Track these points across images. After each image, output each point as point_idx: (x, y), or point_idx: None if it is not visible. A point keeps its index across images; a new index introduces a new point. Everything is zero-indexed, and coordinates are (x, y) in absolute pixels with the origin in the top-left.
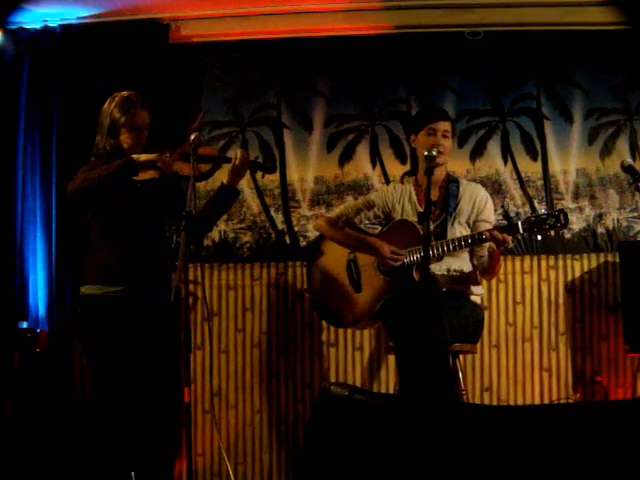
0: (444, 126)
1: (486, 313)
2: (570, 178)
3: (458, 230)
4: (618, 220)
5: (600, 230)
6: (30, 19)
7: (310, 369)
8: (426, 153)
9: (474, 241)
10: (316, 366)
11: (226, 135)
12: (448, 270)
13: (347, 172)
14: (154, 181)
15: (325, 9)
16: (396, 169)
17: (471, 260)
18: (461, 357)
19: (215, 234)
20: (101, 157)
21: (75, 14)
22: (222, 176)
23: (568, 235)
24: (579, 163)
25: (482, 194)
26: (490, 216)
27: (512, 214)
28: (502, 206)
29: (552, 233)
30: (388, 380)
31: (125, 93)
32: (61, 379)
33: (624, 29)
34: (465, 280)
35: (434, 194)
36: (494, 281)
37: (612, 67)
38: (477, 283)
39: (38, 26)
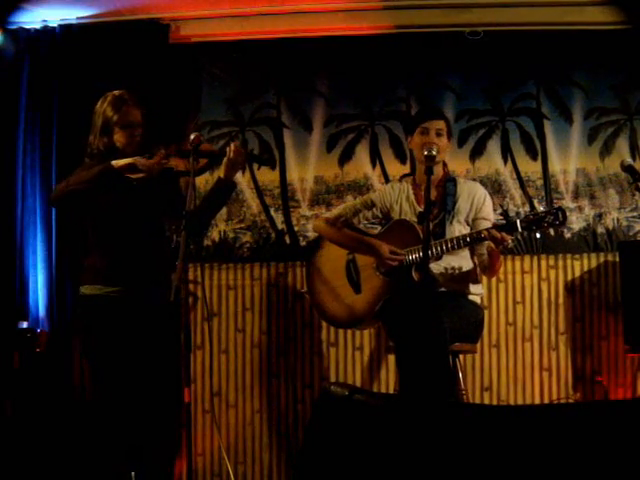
0: (437, 124)
1: (486, 313)
2: (570, 178)
3: (457, 229)
4: (618, 220)
5: (600, 230)
6: (30, 19)
7: (310, 369)
8: (426, 153)
9: (473, 240)
10: (316, 366)
11: (226, 135)
12: (447, 268)
13: (347, 172)
14: (150, 178)
15: (325, 9)
16: (396, 169)
17: (472, 258)
18: (461, 357)
19: (215, 234)
20: (95, 157)
21: (75, 14)
22: (219, 171)
23: (568, 235)
24: (579, 163)
25: (480, 192)
26: (489, 214)
27: (512, 214)
28: (501, 206)
29: (551, 231)
30: (388, 380)
31: (117, 92)
32: (61, 379)
33: (624, 29)
34: (465, 278)
35: (432, 193)
36: (494, 281)
37: (612, 67)
38: (477, 282)
39: (38, 26)
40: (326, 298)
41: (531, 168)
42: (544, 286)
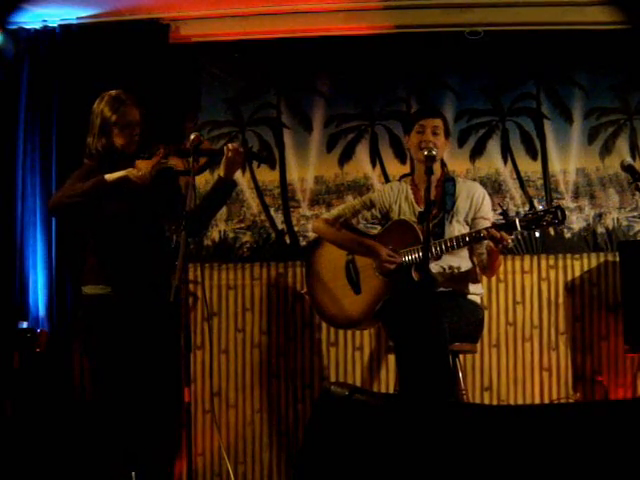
0: (433, 122)
1: (486, 313)
2: (570, 178)
3: (456, 228)
4: (618, 219)
5: (600, 229)
6: (30, 19)
7: (310, 369)
8: (426, 153)
9: (472, 239)
10: (316, 366)
11: (226, 135)
12: (446, 268)
13: (347, 172)
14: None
15: (324, 9)
16: (396, 169)
17: (471, 258)
18: (461, 357)
19: (215, 234)
20: (94, 158)
21: (75, 14)
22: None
23: (568, 234)
24: (579, 163)
25: (479, 191)
26: (488, 213)
27: (512, 214)
28: (501, 205)
29: (551, 231)
30: (388, 380)
31: (114, 92)
32: (61, 379)
33: (624, 28)
34: (464, 278)
35: (431, 193)
36: (494, 281)
37: (612, 67)
38: (476, 281)
39: (38, 26)
40: (326, 298)
41: (531, 168)
42: (544, 286)
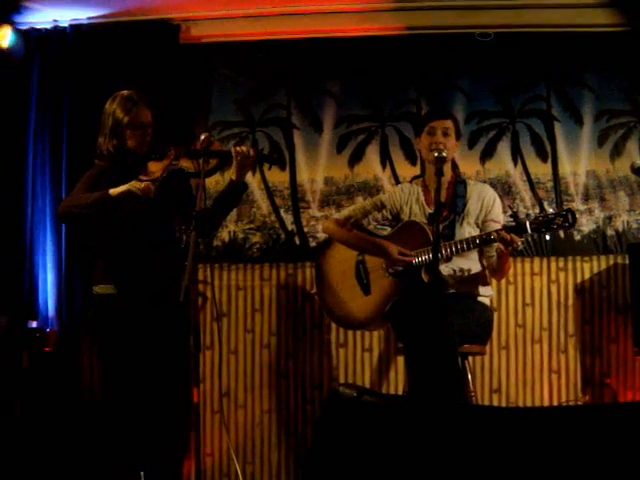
0: (444, 124)
1: (495, 314)
2: (580, 180)
3: (467, 230)
4: (628, 222)
5: (610, 232)
6: (41, 19)
7: (319, 370)
8: (436, 154)
9: (482, 241)
10: (325, 367)
11: (236, 135)
12: (456, 270)
13: (357, 173)
14: (161, 179)
15: (335, 10)
16: (406, 170)
17: (480, 260)
18: (470, 358)
19: (225, 234)
20: (105, 159)
21: (85, 14)
22: (230, 173)
23: (578, 237)
24: (589, 165)
25: (490, 194)
26: (498, 215)
27: (522, 216)
28: (511, 207)
29: (561, 233)
30: (397, 381)
31: (126, 92)
32: (70, 379)
33: (634, 31)
34: (474, 280)
35: (442, 195)
36: (503, 282)
37: (622, 69)
38: (486, 284)
39: (48, 26)
40: (335, 299)
41: (541, 170)
42: (553, 288)
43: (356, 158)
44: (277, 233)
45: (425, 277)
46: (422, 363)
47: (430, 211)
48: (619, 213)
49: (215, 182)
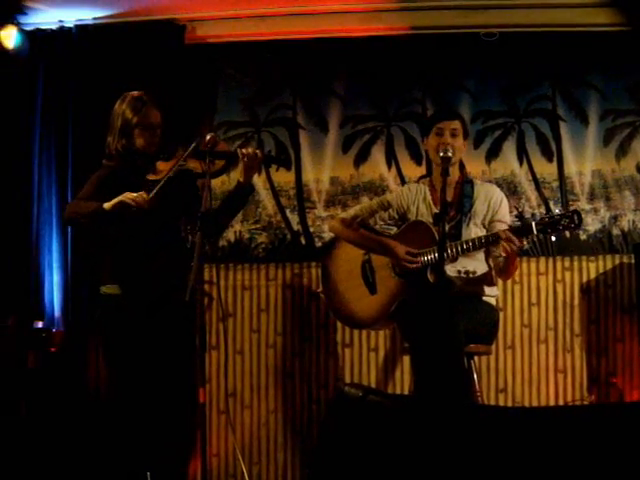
0: (452, 125)
1: (501, 314)
2: (585, 179)
3: (473, 231)
4: (633, 221)
5: (615, 231)
6: (46, 19)
7: (325, 370)
8: (441, 154)
9: (488, 242)
10: (331, 367)
11: (242, 135)
12: (462, 271)
13: (362, 173)
14: (161, 185)
15: (341, 10)
16: (412, 170)
17: (487, 261)
18: (476, 358)
19: (230, 234)
20: (113, 159)
21: (91, 14)
22: (238, 175)
23: (583, 236)
24: (594, 164)
25: (497, 194)
26: (505, 216)
27: (527, 215)
28: (517, 207)
29: (566, 233)
30: (403, 381)
31: (136, 93)
32: (75, 379)
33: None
34: (479, 281)
35: (449, 195)
36: (509, 282)
37: (627, 68)
38: (492, 284)
39: (54, 26)
40: (341, 298)
41: (547, 170)
42: (559, 288)
43: (362, 158)
44: (283, 233)
45: (431, 277)
46: (428, 363)
47: (437, 211)
48: (625, 213)
49: (221, 182)
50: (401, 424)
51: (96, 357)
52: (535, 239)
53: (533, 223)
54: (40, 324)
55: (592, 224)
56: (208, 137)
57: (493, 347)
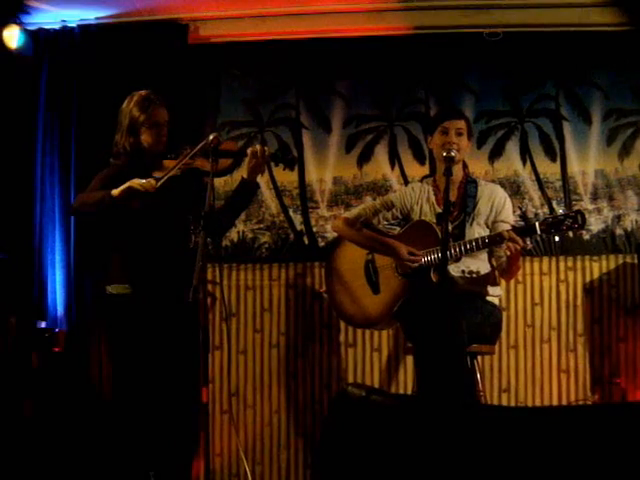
0: (457, 124)
1: (504, 314)
2: (589, 179)
3: (477, 231)
4: (637, 221)
5: (619, 231)
6: (49, 19)
7: (328, 369)
8: (445, 154)
9: (491, 242)
10: (334, 367)
11: (245, 135)
12: (465, 271)
13: (366, 173)
14: (169, 175)
15: (344, 9)
16: (415, 170)
17: (490, 261)
18: (479, 358)
19: (234, 234)
20: (121, 157)
21: (94, 14)
22: (242, 173)
23: (586, 236)
24: (598, 164)
25: (501, 195)
26: (509, 216)
27: (531, 215)
28: (520, 207)
29: (570, 234)
30: (406, 381)
31: (143, 92)
32: (79, 379)
33: None
34: (482, 281)
35: (452, 195)
36: (513, 282)
37: (631, 68)
38: (495, 284)
39: (57, 26)
40: (344, 298)
41: (550, 169)
42: (562, 288)
43: (365, 158)
44: (286, 233)
45: (434, 277)
46: (431, 363)
47: (440, 211)
48: (628, 212)
49: (224, 182)
50: (404, 424)
51: (99, 356)
52: (538, 239)
53: (537, 223)
54: (43, 324)
55: (595, 224)
56: (211, 137)
57: (496, 347)
